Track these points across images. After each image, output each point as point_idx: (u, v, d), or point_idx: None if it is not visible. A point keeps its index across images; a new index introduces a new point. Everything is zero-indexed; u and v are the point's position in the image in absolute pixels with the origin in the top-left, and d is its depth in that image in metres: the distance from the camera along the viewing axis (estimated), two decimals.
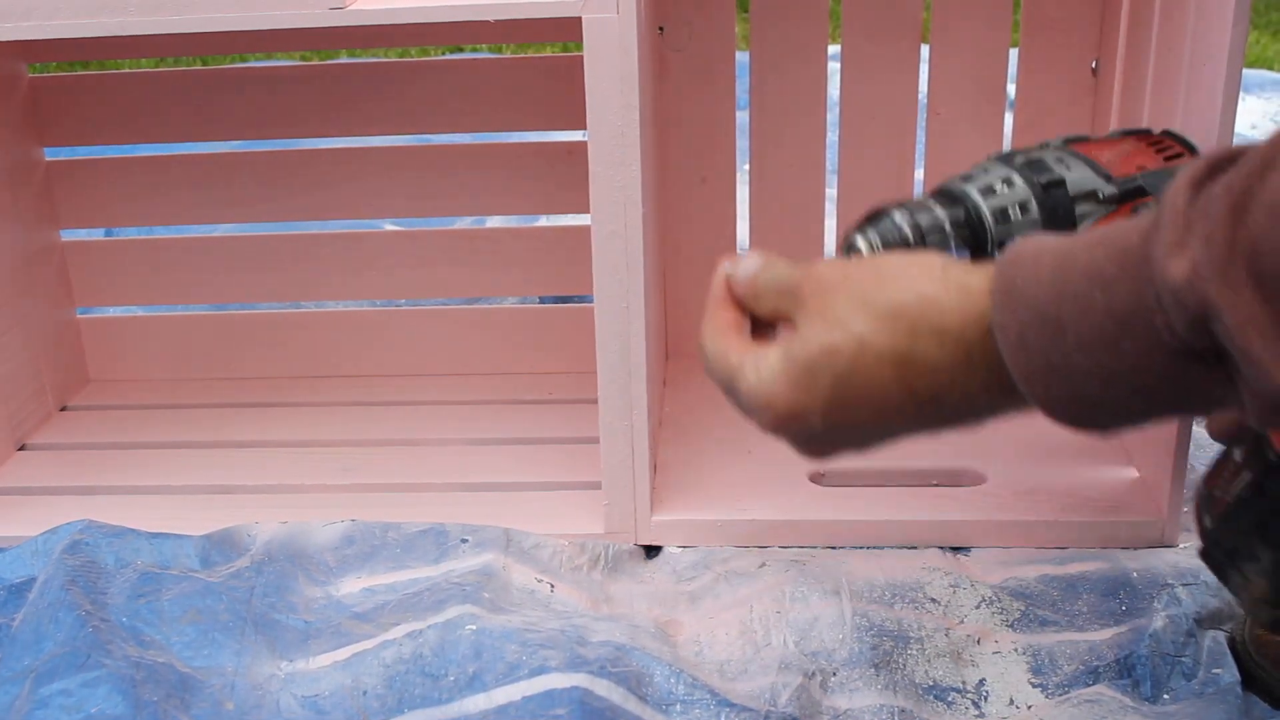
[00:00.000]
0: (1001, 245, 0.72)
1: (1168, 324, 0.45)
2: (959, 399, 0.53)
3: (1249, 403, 0.46)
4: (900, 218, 0.70)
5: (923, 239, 0.70)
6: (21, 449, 1.06)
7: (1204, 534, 0.66)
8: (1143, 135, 0.77)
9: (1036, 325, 0.49)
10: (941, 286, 0.53)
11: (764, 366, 0.55)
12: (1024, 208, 0.71)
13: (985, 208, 0.71)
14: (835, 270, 0.56)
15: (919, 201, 0.71)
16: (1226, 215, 0.43)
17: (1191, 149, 0.76)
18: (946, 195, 0.72)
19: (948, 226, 0.71)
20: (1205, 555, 0.66)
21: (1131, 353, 0.47)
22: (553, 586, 0.83)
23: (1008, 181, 0.72)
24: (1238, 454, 0.64)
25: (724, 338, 0.58)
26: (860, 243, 0.71)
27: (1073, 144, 0.75)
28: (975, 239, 0.71)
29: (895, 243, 0.70)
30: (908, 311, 0.53)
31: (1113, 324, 0.47)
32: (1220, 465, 0.66)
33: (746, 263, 0.58)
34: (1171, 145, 0.76)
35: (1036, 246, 0.51)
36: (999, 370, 0.51)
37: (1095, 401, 0.49)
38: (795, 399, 0.54)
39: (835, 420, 0.54)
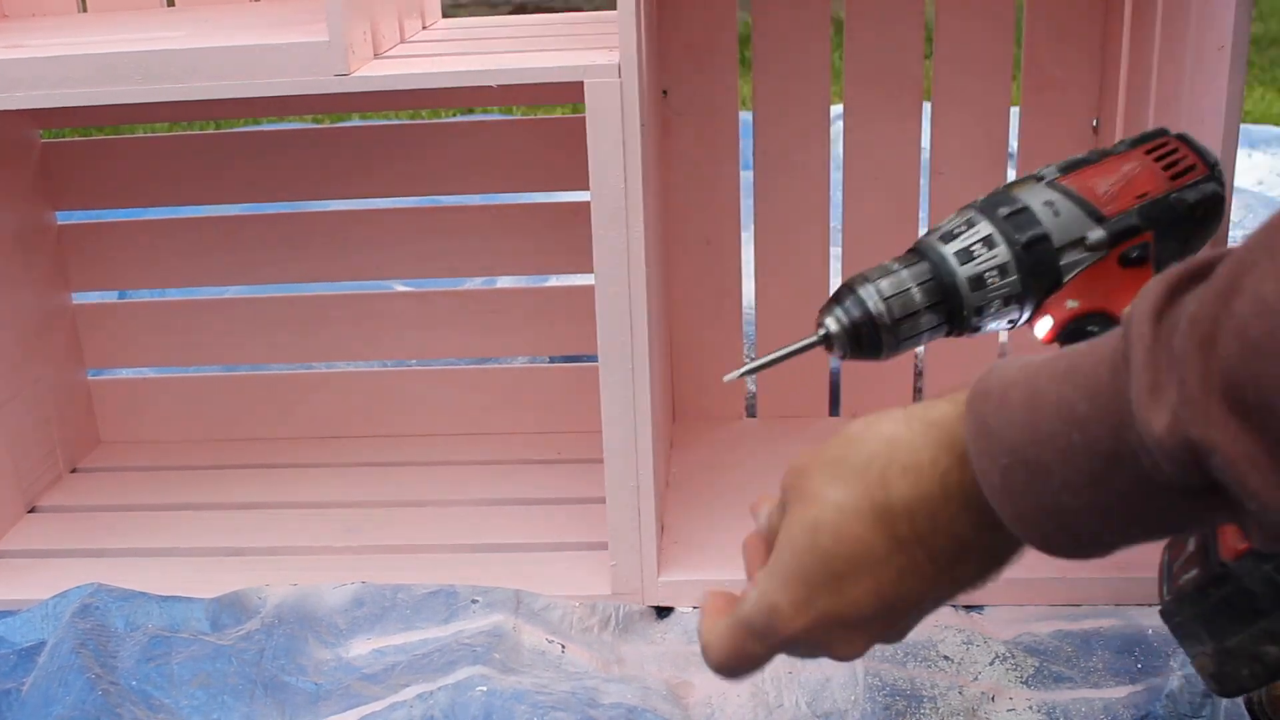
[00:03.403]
0: (979, 311, 0.72)
1: (1156, 466, 0.43)
2: (949, 543, 0.51)
3: (1253, 532, 0.44)
4: (865, 290, 0.70)
5: (889, 312, 0.70)
6: (32, 510, 1.06)
7: (1161, 600, 0.66)
8: (1155, 144, 0.75)
9: (1018, 469, 0.47)
10: (906, 427, 0.51)
11: (759, 582, 0.54)
12: (1003, 270, 0.70)
13: (960, 276, 0.70)
14: (806, 453, 0.54)
15: (887, 268, 0.71)
16: (1196, 352, 0.41)
17: (1204, 156, 0.74)
18: (920, 256, 0.71)
19: (917, 295, 0.70)
20: (1164, 617, 0.65)
21: (1122, 490, 0.45)
22: (563, 647, 0.83)
23: (987, 242, 0.70)
24: (1191, 542, 0.64)
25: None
26: (830, 322, 0.71)
27: (1069, 172, 0.73)
28: (948, 304, 0.71)
29: (863, 318, 0.70)
30: (878, 459, 0.51)
31: (1100, 463, 0.45)
32: (1177, 542, 0.66)
33: (761, 511, 0.58)
34: (1184, 156, 0.74)
35: (1001, 380, 0.48)
36: (985, 509, 0.49)
37: (1092, 535, 0.47)
38: (794, 594, 0.52)
39: (842, 601, 0.52)
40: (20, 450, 1.05)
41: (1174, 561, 0.65)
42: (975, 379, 0.49)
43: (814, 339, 0.72)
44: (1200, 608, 0.62)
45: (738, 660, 0.56)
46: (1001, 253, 0.70)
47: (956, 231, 0.71)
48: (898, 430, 0.51)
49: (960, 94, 1.03)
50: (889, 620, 0.53)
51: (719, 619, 0.56)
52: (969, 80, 1.03)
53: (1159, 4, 0.85)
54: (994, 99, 1.03)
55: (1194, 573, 0.63)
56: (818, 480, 0.52)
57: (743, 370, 0.74)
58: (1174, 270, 0.44)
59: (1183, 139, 0.75)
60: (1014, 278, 0.70)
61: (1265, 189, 1.83)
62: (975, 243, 0.70)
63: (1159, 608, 0.66)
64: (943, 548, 0.50)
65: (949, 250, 0.70)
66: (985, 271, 0.70)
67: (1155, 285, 0.44)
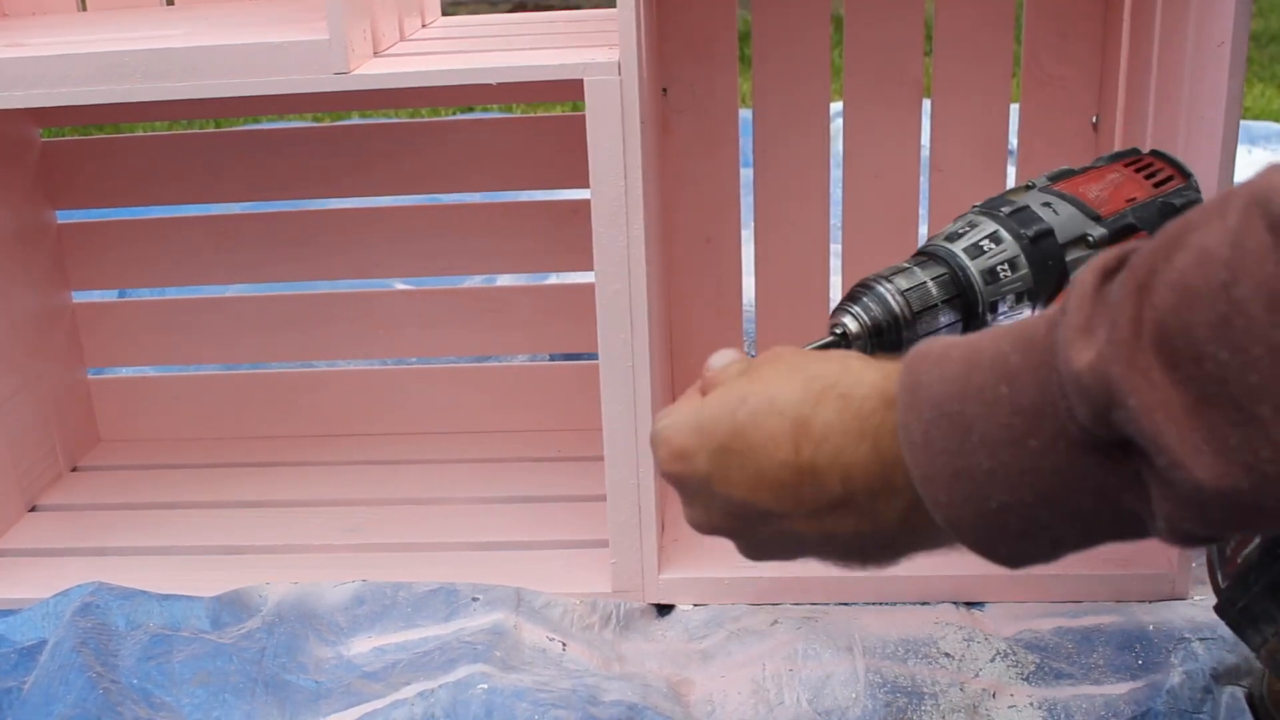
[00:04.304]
0: (994, 307, 0.72)
1: (1071, 414, 0.43)
2: (838, 486, 0.51)
3: (1159, 505, 0.43)
4: (884, 288, 0.70)
5: (909, 306, 0.70)
6: (32, 509, 1.06)
7: (1218, 591, 0.65)
8: (1131, 160, 0.76)
9: (941, 423, 0.47)
10: (862, 363, 0.52)
11: (677, 409, 0.55)
12: (1013, 264, 0.70)
13: (973, 269, 0.70)
14: (791, 348, 0.56)
15: (899, 267, 0.71)
16: (1131, 297, 0.41)
17: (1180, 168, 0.75)
18: (930, 256, 0.71)
19: (933, 289, 0.70)
20: (1221, 612, 0.65)
21: (1036, 451, 0.45)
22: (564, 645, 0.83)
23: (994, 238, 0.70)
24: None
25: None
26: (847, 321, 0.70)
27: (1058, 181, 0.74)
28: (964, 299, 0.71)
29: (883, 314, 0.70)
30: (826, 378, 0.52)
31: (1020, 420, 0.45)
32: None
33: (721, 354, 0.58)
34: (1161, 168, 0.74)
35: (945, 342, 0.49)
36: (891, 466, 0.49)
37: (997, 510, 0.46)
38: (689, 440, 0.54)
39: (719, 472, 0.53)
40: (21, 449, 1.06)
41: (1225, 544, 0.64)
42: (916, 346, 0.50)
43: (830, 339, 0.72)
44: (1269, 576, 0.60)
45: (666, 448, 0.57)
46: (1010, 246, 0.70)
47: (961, 232, 0.71)
48: (856, 364, 0.52)
49: (960, 91, 1.03)
50: (745, 522, 0.54)
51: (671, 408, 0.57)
52: (969, 77, 1.03)
53: (1159, 0, 0.85)
54: (994, 96, 1.03)
55: (1255, 544, 0.61)
56: (777, 370, 0.54)
57: None
58: (1130, 244, 0.45)
59: (1157, 154, 0.76)
60: (1025, 271, 0.71)
61: None
62: (983, 238, 0.70)
63: (1214, 605, 0.64)
64: (831, 488, 0.51)
65: (958, 247, 0.71)
66: (997, 265, 0.70)
67: (1111, 249, 0.45)
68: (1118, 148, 0.95)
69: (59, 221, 1.14)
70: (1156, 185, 0.73)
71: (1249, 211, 0.39)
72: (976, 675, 0.78)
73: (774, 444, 0.52)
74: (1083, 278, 0.44)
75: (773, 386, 0.53)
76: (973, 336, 0.48)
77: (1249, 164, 1.89)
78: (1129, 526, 0.46)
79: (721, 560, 0.90)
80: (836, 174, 1.08)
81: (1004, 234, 0.71)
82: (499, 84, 0.79)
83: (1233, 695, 0.73)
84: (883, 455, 0.49)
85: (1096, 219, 0.71)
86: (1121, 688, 0.77)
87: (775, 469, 0.52)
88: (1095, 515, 0.46)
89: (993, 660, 0.80)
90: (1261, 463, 0.39)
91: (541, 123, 1.09)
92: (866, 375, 0.51)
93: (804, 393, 0.52)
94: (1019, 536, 0.48)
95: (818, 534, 0.53)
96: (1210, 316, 0.39)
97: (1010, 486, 0.46)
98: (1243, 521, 0.42)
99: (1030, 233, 0.70)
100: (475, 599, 0.85)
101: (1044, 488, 0.45)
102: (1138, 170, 0.75)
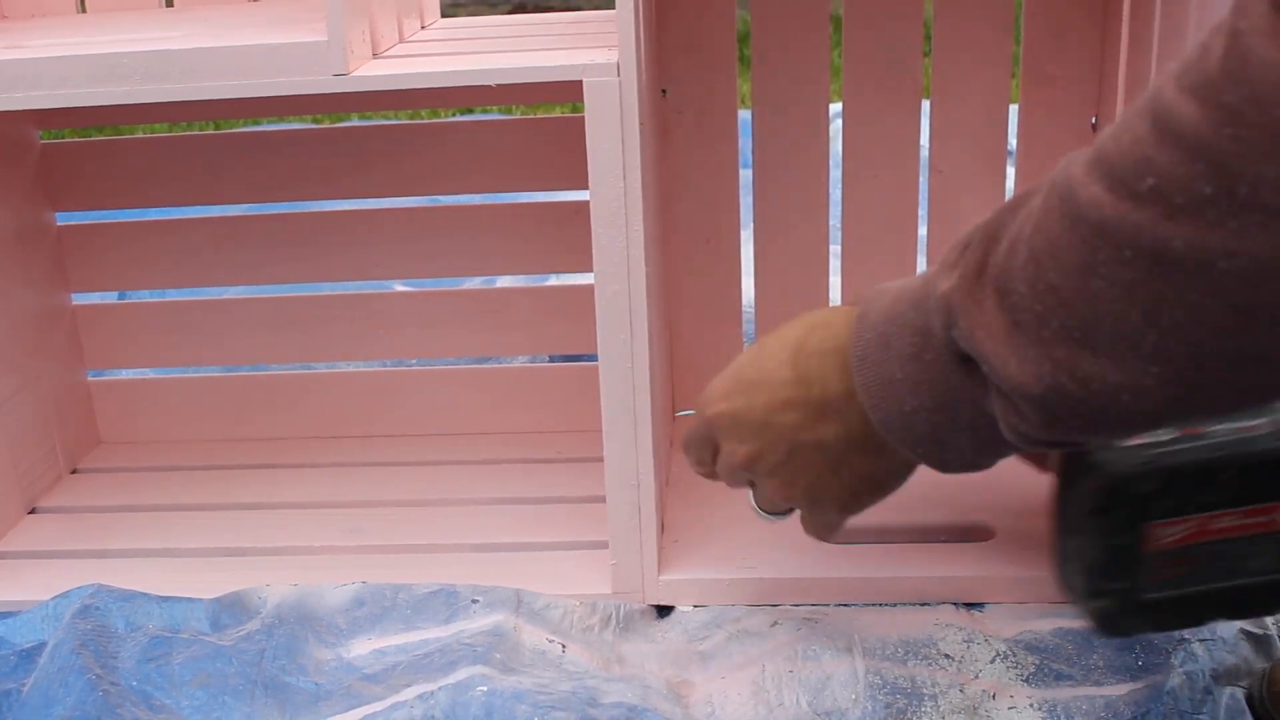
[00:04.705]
0: None
1: (933, 327, 0.57)
2: (822, 392, 0.66)
3: (995, 406, 0.56)
4: None
5: None
6: (32, 512, 1.06)
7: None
8: None
9: (874, 342, 0.61)
10: (847, 308, 0.67)
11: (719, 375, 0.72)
12: None
13: None
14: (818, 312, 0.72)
15: None
16: (983, 243, 0.55)
17: None
18: None
19: None
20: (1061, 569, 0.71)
21: (928, 363, 0.58)
22: (564, 647, 0.83)
23: None
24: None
25: None
26: None
27: None
28: None
29: None
30: (817, 315, 0.68)
31: (917, 338, 0.59)
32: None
33: None
34: None
35: (894, 284, 0.63)
36: (852, 382, 0.64)
37: (910, 413, 0.60)
38: (723, 384, 0.70)
39: (747, 403, 0.68)
40: (20, 451, 1.06)
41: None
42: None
43: None
44: (1080, 507, 0.66)
45: (688, 435, 0.75)
46: None
47: None
48: (843, 308, 0.68)
49: (959, 91, 1.03)
50: (767, 439, 0.68)
51: None
52: (968, 78, 1.03)
53: (1157, 1, 0.85)
54: (993, 96, 1.03)
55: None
56: (785, 324, 0.70)
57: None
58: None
59: None
60: None
61: None
62: None
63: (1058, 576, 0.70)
64: (817, 395, 0.66)
65: None
66: None
67: (1002, 204, 0.56)
68: None
69: (59, 223, 1.14)
70: None
71: (1052, 183, 0.51)
72: (976, 676, 0.78)
73: (779, 365, 0.67)
74: (966, 231, 0.57)
75: (780, 330, 0.69)
76: (914, 276, 0.61)
77: None
78: (998, 432, 0.57)
79: (721, 561, 0.90)
80: (836, 175, 1.08)
81: None
82: (499, 85, 0.79)
83: (1233, 696, 0.74)
84: (846, 366, 0.64)
85: None
86: (1121, 689, 0.77)
87: (781, 386, 0.67)
88: (973, 421, 0.58)
89: (993, 661, 0.80)
90: (1045, 374, 0.51)
91: (541, 124, 1.09)
92: (845, 311, 0.66)
93: (800, 328, 0.68)
94: (929, 440, 0.61)
95: (814, 443, 0.67)
96: (1020, 260, 0.52)
97: (914, 393, 0.60)
98: (1048, 423, 0.53)
99: None
100: (475, 601, 0.85)
101: (935, 394, 0.59)
102: None
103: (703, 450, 0.74)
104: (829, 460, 0.68)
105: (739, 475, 0.72)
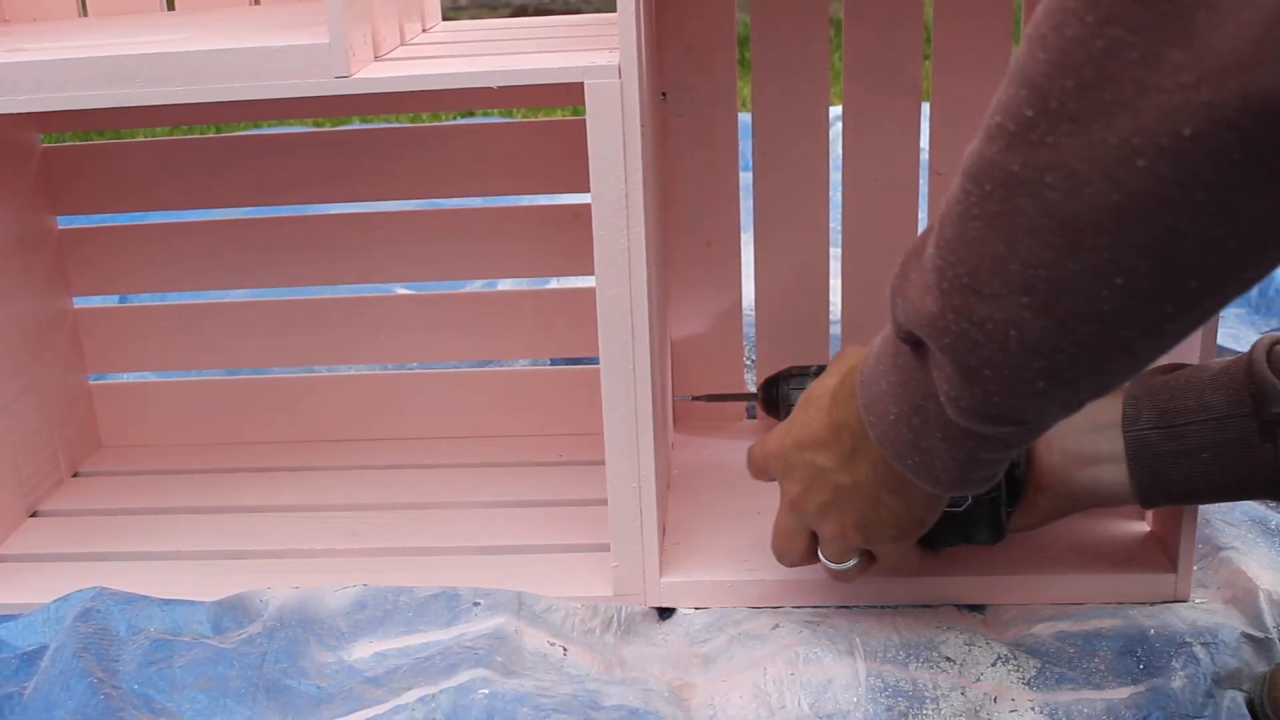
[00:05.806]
0: None
1: (895, 323, 0.61)
2: (851, 417, 0.70)
3: (939, 384, 0.59)
4: None
5: None
6: (33, 515, 1.06)
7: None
8: None
9: (868, 363, 0.66)
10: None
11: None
12: None
13: None
14: (852, 349, 0.77)
15: None
16: (926, 233, 0.59)
17: None
18: None
19: None
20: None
21: (900, 367, 0.62)
22: (565, 650, 0.83)
23: None
24: None
25: None
26: None
27: None
28: None
29: None
30: (854, 358, 0.73)
31: (891, 346, 0.63)
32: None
33: None
34: None
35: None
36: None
37: (894, 420, 0.64)
38: (780, 428, 0.78)
39: (799, 428, 0.75)
40: (22, 454, 1.06)
41: None
42: None
43: None
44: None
45: (753, 458, 0.82)
46: None
47: None
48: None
49: (959, 95, 1.03)
50: (819, 484, 0.74)
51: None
52: (968, 81, 1.03)
53: None
54: (992, 98, 1.03)
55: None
56: (833, 363, 0.77)
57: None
58: None
59: None
60: None
61: None
62: None
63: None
64: (849, 438, 0.71)
65: None
66: None
67: None
68: None
69: (60, 227, 1.14)
70: None
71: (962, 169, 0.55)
72: (978, 679, 0.78)
73: (820, 410, 0.73)
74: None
75: (825, 377, 0.75)
76: None
77: None
78: (968, 434, 0.61)
79: (723, 564, 0.90)
80: (836, 177, 1.08)
81: None
82: (500, 88, 0.79)
83: (1234, 700, 0.74)
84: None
85: None
86: (1123, 692, 0.77)
87: (822, 429, 0.73)
88: (939, 418, 0.61)
89: (994, 664, 0.80)
90: (950, 323, 0.55)
91: (542, 127, 1.09)
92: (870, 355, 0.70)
93: (839, 375, 0.73)
94: (912, 448, 0.64)
95: (851, 485, 0.72)
96: (933, 228, 0.57)
97: (895, 399, 0.63)
98: (968, 377, 0.57)
99: None
100: (477, 603, 0.85)
101: (909, 395, 0.62)
102: None
103: (794, 539, 0.80)
104: (867, 499, 0.72)
105: (836, 545, 0.78)
